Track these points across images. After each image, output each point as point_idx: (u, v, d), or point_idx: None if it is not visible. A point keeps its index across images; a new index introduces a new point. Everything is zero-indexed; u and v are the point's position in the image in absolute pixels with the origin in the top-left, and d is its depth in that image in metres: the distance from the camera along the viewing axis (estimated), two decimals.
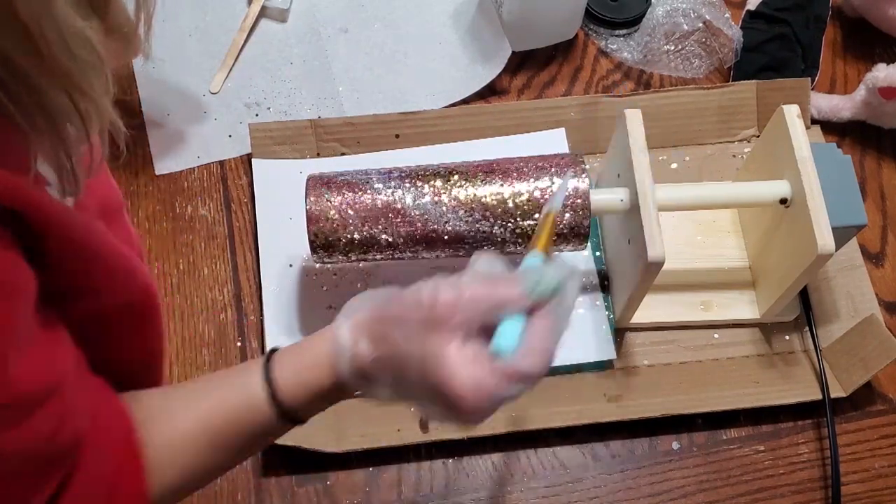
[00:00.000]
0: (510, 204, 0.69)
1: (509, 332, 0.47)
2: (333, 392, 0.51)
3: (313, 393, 0.51)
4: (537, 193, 0.70)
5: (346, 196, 0.70)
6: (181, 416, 0.51)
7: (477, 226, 0.69)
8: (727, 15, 0.93)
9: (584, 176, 0.70)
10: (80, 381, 0.46)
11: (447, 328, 0.46)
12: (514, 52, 0.91)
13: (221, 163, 0.87)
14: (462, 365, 0.46)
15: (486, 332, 0.47)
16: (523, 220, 0.70)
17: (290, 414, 0.51)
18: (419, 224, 0.69)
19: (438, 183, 0.70)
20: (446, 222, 0.69)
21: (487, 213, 0.69)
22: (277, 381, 0.50)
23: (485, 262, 0.50)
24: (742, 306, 0.81)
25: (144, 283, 0.51)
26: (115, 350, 0.52)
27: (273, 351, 0.53)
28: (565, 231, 0.70)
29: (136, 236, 0.63)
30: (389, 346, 0.48)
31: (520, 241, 0.70)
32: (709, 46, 0.95)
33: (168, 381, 0.76)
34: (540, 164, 0.71)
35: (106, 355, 0.51)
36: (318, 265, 0.80)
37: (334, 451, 0.72)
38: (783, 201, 0.72)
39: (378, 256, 0.71)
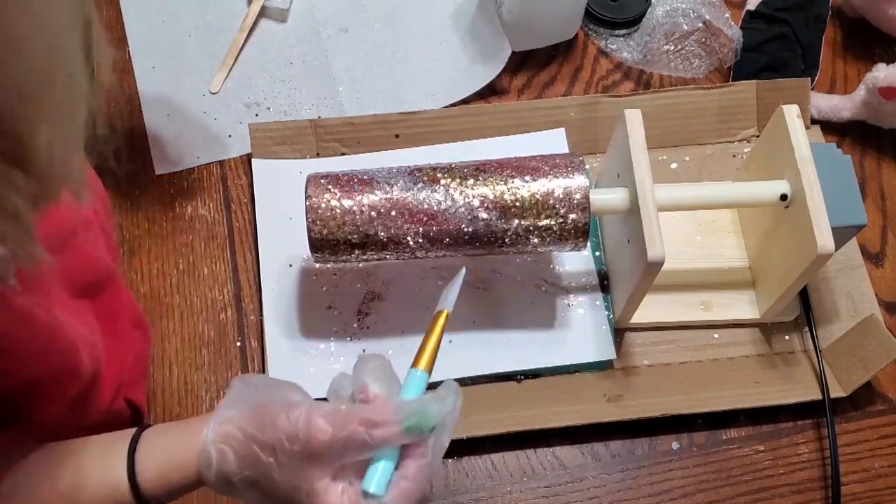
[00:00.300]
0: (510, 198, 0.69)
1: (381, 472, 0.48)
2: (196, 486, 0.52)
3: (176, 489, 0.52)
4: (539, 188, 0.70)
5: (346, 188, 0.70)
6: (45, 489, 0.51)
7: (476, 214, 0.69)
8: (727, 15, 0.93)
9: (584, 174, 0.70)
10: None
11: (320, 463, 0.48)
12: (514, 52, 0.91)
13: (221, 163, 0.87)
14: (332, 500, 0.48)
15: (363, 461, 0.49)
16: (523, 215, 0.69)
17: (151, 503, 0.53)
18: (419, 217, 0.69)
19: (440, 177, 0.70)
20: (446, 210, 0.69)
21: (488, 207, 0.69)
22: (141, 477, 0.51)
23: (370, 371, 0.51)
24: (742, 306, 0.81)
25: (70, 350, 0.52)
26: (41, 404, 0.53)
27: (143, 429, 0.54)
28: (565, 230, 0.70)
29: (98, 254, 0.62)
30: (260, 471, 0.49)
31: (519, 236, 0.70)
32: (709, 46, 0.95)
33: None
34: (541, 160, 0.71)
35: (32, 407, 0.52)
36: (318, 265, 0.80)
37: None
38: (783, 197, 0.72)
39: (376, 254, 0.71)
